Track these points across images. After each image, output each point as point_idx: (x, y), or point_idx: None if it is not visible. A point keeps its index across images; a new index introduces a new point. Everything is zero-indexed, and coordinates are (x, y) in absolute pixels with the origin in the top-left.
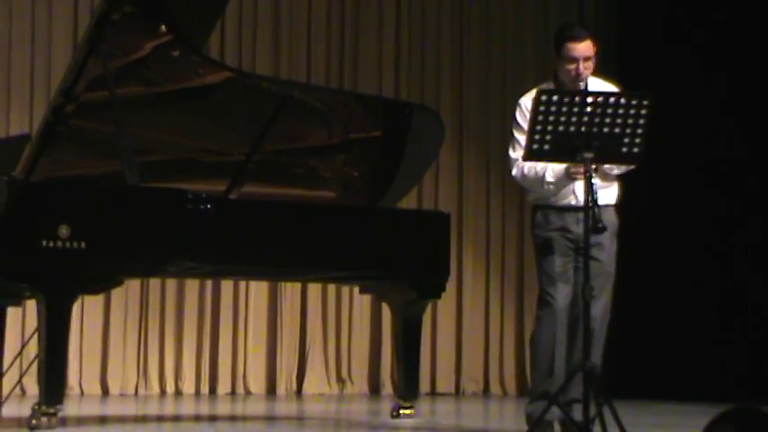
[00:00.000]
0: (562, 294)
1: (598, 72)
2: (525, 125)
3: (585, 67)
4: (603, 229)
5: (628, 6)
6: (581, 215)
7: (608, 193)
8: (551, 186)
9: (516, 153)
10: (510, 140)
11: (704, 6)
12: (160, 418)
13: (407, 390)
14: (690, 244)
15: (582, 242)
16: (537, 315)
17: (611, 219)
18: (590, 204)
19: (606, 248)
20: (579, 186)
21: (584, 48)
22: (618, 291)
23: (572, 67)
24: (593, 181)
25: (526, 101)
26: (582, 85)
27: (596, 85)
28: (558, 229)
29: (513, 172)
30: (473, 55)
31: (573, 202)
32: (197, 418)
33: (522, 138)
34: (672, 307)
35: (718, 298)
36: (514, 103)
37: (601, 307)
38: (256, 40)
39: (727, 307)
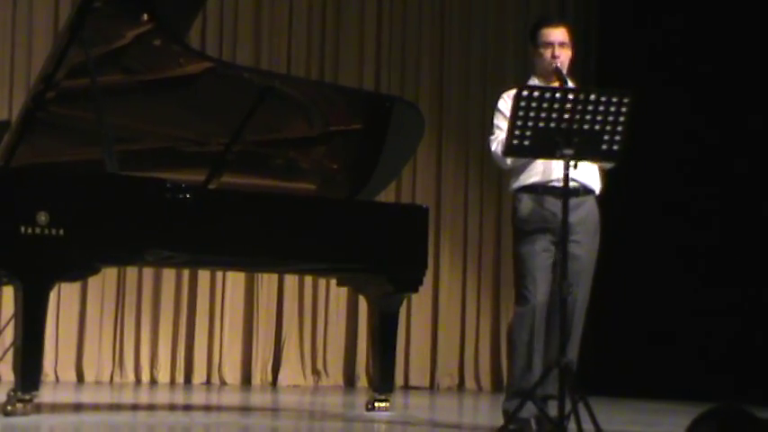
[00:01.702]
0: (541, 290)
1: (575, 76)
2: (508, 113)
3: (561, 53)
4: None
5: (608, 4)
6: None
7: (590, 178)
8: None
9: (495, 134)
10: (490, 128)
11: (683, 6)
12: (135, 407)
13: (383, 383)
14: (667, 240)
15: (561, 236)
16: (515, 311)
17: (591, 213)
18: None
19: (585, 245)
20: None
21: (558, 33)
22: (594, 287)
23: (547, 51)
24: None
25: (511, 93)
26: (560, 67)
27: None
28: (539, 221)
29: (493, 147)
30: (453, 49)
31: (557, 183)
32: (172, 407)
33: (503, 123)
34: (649, 303)
35: (695, 294)
36: (494, 99)
37: (578, 303)
38: (237, 30)
39: (705, 304)
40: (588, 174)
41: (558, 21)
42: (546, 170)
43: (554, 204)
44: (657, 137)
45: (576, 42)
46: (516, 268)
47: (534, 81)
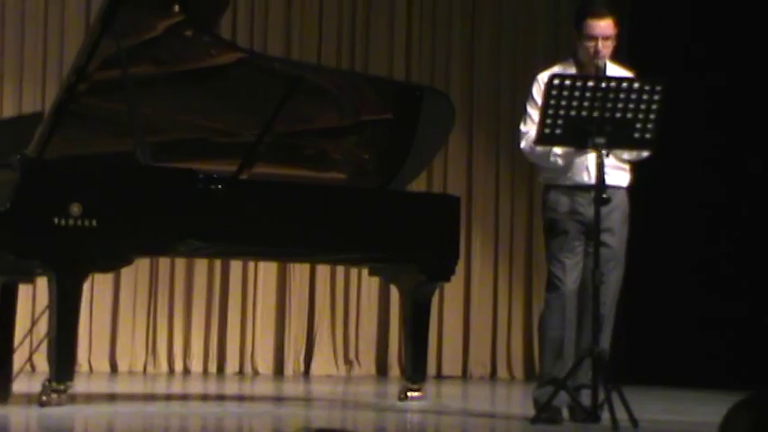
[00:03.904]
0: (571, 278)
1: (614, 58)
2: (540, 101)
3: (605, 46)
4: (608, 200)
5: None
6: (593, 195)
7: (620, 176)
8: (559, 159)
9: (527, 127)
10: (522, 114)
11: None
12: (168, 397)
13: (415, 372)
14: (700, 229)
15: (593, 226)
16: (545, 299)
17: (622, 203)
18: (599, 181)
19: (617, 233)
20: (591, 163)
21: (604, 26)
22: (627, 276)
23: (591, 44)
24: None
25: (544, 76)
26: (600, 63)
27: (613, 71)
28: (569, 212)
29: (522, 145)
30: (484, 37)
31: (585, 180)
32: (204, 397)
33: (534, 113)
34: (682, 293)
35: (728, 284)
36: (525, 87)
37: (610, 292)
38: (268, 20)
39: (737, 293)
40: (616, 175)
41: (604, 11)
42: (574, 175)
43: (584, 197)
44: (689, 125)
45: (619, 23)
46: (547, 257)
47: (571, 66)
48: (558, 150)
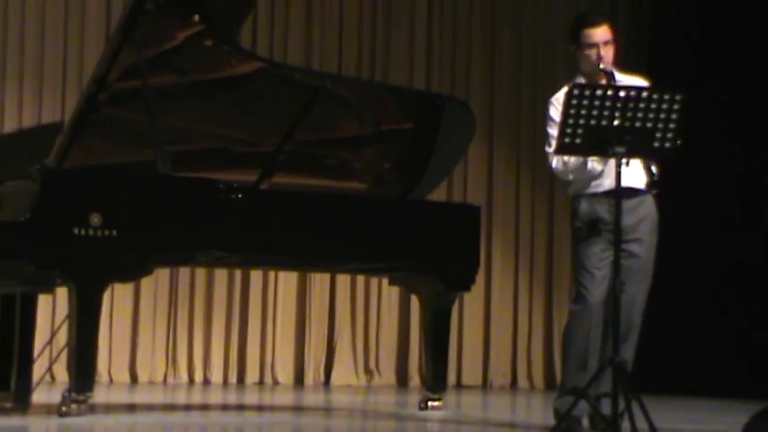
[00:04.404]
0: (599, 290)
1: (628, 69)
2: (558, 119)
3: (606, 51)
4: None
5: (660, 4)
6: (625, 203)
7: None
8: (596, 166)
9: (553, 147)
10: (545, 138)
11: (737, 3)
12: (188, 407)
13: (435, 382)
14: (723, 238)
15: (623, 236)
16: (571, 310)
17: (651, 213)
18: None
19: (645, 243)
20: (623, 168)
21: (601, 32)
22: (650, 285)
23: (593, 51)
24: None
25: (559, 96)
26: (607, 69)
27: (627, 81)
28: (600, 221)
29: (554, 164)
30: (504, 48)
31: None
32: (225, 407)
33: (555, 133)
34: (704, 302)
35: (750, 293)
36: (546, 97)
37: (638, 303)
38: (288, 30)
39: (759, 303)
40: (644, 181)
41: (599, 19)
42: (605, 182)
43: (612, 206)
44: (708, 133)
45: (627, 32)
46: (576, 268)
47: (581, 81)
48: (593, 157)
